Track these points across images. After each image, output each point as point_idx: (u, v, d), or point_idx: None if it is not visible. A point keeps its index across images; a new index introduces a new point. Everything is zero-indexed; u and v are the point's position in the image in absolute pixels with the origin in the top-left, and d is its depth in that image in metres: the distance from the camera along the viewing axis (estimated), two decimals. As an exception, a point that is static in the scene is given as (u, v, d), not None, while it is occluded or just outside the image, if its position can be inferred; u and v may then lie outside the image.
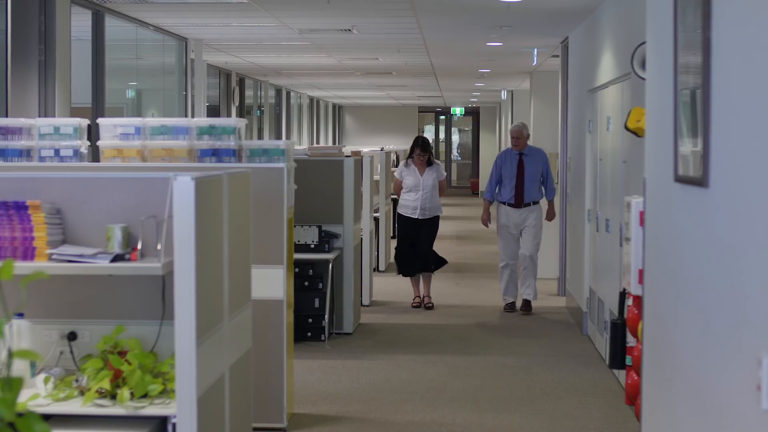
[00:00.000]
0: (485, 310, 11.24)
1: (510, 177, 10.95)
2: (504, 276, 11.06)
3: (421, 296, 11.35)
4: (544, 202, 11.20)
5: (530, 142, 11.63)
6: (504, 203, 10.99)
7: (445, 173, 11.53)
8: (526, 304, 11.01)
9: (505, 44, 13.52)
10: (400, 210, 11.40)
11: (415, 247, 11.16)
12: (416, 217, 11.18)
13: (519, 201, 10.92)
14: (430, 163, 11.30)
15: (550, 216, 11.22)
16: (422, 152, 11.27)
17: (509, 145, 11.34)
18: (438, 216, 11.35)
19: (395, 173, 11.51)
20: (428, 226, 11.27)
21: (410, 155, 11.38)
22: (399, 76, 20.28)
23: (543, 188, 11.04)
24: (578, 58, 11.33)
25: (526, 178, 10.90)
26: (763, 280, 2.75)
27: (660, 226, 4.17)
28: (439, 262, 11.37)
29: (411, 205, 11.23)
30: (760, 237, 2.78)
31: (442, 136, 39.29)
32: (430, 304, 11.27)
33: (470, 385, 7.74)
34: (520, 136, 11.06)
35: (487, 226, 11.45)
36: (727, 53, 3.12)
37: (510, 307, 11.06)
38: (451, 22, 11.47)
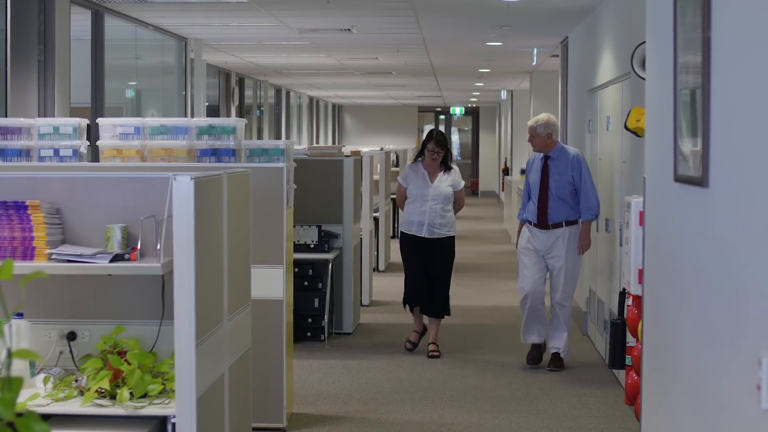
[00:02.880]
0: (485, 310, 11.24)
1: (535, 188, 8.24)
2: (523, 310, 8.35)
3: (421, 333, 8.98)
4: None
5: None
6: (529, 223, 8.27)
7: (463, 183, 8.86)
8: (556, 359, 8.27)
9: (504, 44, 13.53)
10: (403, 227, 8.75)
11: (430, 277, 8.70)
12: (423, 235, 8.61)
13: (542, 220, 8.14)
14: (446, 167, 8.70)
15: (581, 244, 8.15)
16: (438, 148, 8.59)
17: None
18: (453, 237, 8.75)
19: (399, 178, 8.87)
20: (441, 251, 8.67)
21: (420, 153, 8.73)
22: (399, 76, 20.29)
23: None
24: (578, 58, 11.33)
25: (550, 189, 8.13)
26: (763, 279, 2.75)
27: (660, 225, 4.17)
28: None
29: (416, 219, 8.59)
30: (759, 237, 2.78)
31: (441, 136, 39.24)
32: (437, 353, 8.71)
33: (470, 385, 7.74)
34: (534, 134, 8.22)
35: None
36: (726, 53, 3.12)
37: (534, 356, 8.34)
38: (451, 21, 11.48)
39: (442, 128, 38.73)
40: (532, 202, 8.23)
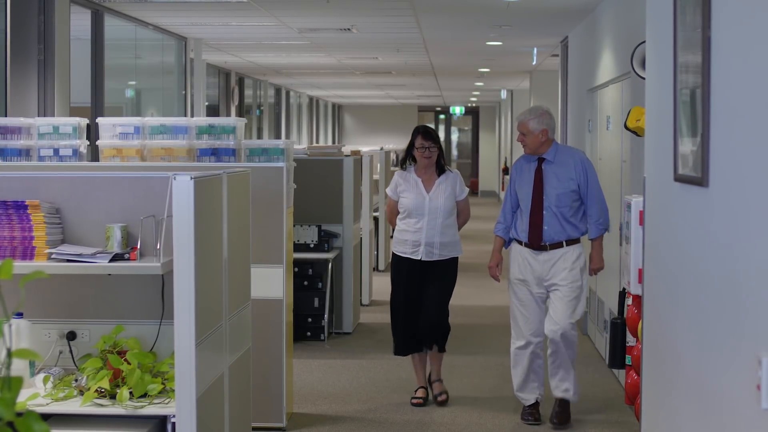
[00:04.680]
0: (485, 310, 11.24)
1: (525, 199, 6.49)
2: (519, 364, 6.60)
3: (427, 383, 7.20)
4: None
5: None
6: (519, 242, 6.54)
7: (467, 190, 7.14)
8: (563, 406, 6.58)
9: (504, 43, 13.53)
10: (395, 248, 7.02)
11: (419, 309, 6.95)
12: (419, 258, 6.91)
13: (536, 240, 6.42)
14: (441, 170, 7.03)
15: (593, 267, 6.63)
16: (427, 142, 6.95)
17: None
18: (456, 258, 7.01)
19: (387, 190, 7.17)
20: (440, 276, 6.94)
21: (408, 154, 7.12)
22: (398, 76, 20.29)
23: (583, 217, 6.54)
24: (578, 58, 11.33)
25: (546, 200, 6.42)
26: (763, 279, 2.75)
27: (660, 225, 4.17)
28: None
29: (410, 238, 6.91)
30: (759, 236, 2.78)
31: (441, 135, 39.30)
32: (444, 397, 7.09)
33: (470, 385, 7.74)
34: (525, 130, 6.50)
35: (497, 279, 6.76)
36: (726, 52, 3.12)
37: (531, 413, 6.62)
38: (451, 21, 11.48)
39: (442, 128, 38.82)
40: (522, 216, 6.50)
